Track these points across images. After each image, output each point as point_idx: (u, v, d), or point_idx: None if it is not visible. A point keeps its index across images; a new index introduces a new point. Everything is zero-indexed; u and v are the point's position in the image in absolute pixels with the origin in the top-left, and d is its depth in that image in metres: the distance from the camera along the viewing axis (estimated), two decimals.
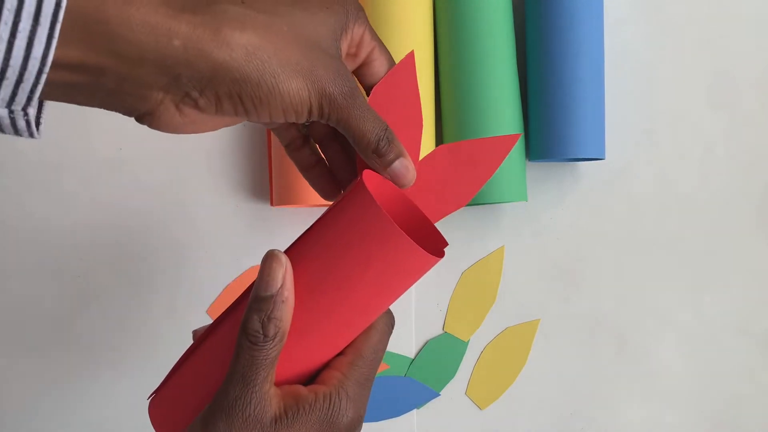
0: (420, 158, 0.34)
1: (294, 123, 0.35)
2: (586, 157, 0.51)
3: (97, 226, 0.54)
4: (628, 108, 0.56)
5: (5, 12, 0.23)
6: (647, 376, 0.55)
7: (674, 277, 0.56)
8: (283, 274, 0.30)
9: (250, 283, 0.33)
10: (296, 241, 0.32)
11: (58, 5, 0.23)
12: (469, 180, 0.34)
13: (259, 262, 0.51)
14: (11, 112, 0.25)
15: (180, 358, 0.34)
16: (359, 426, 0.32)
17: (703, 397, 0.56)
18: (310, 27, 0.28)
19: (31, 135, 0.26)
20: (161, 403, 0.34)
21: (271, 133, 0.52)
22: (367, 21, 0.32)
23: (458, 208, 0.34)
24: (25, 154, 0.54)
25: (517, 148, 0.51)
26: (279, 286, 0.29)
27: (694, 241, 0.56)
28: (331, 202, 0.38)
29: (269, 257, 0.30)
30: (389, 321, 0.34)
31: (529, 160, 0.54)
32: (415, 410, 0.55)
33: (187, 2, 0.26)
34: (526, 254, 0.55)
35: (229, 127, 0.54)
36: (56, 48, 0.24)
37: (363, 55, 0.32)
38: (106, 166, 0.54)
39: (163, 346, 0.54)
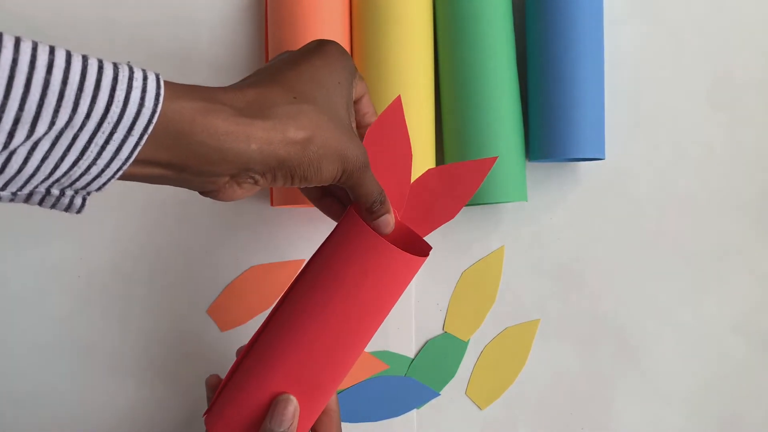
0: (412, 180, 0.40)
1: None
2: (586, 157, 0.51)
3: (96, 226, 0.54)
4: (628, 108, 0.56)
5: (105, 124, 0.27)
6: (647, 376, 0.55)
7: (674, 277, 0.56)
8: (292, 412, 0.37)
9: (288, 286, 0.39)
10: (306, 264, 0.40)
11: (149, 122, 0.28)
12: (454, 198, 0.40)
13: (259, 262, 0.54)
14: (75, 193, 0.30)
15: (227, 373, 0.40)
16: None
17: (702, 397, 0.56)
18: (334, 108, 0.36)
19: (79, 212, 0.31)
20: (220, 417, 0.39)
21: None
22: (359, 76, 0.40)
23: (445, 222, 0.40)
24: None
25: (517, 148, 0.51)
26: (290, 424, 0.37)
27: (694, 241, 0.56)
28: None
29: (284, 401, 0.38)
30: (336, 401, 0.44)
31: (529, 160, 0.54)
32: (415, 410, 0.55)
33: (253, 109, 0.32)
34: (526, 254, 0.55)
35: None
36: (146, 150, 0.29)
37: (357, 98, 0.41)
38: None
39: (163, 347, 0.54)
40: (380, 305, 0.38)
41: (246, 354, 0.39)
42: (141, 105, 0.28)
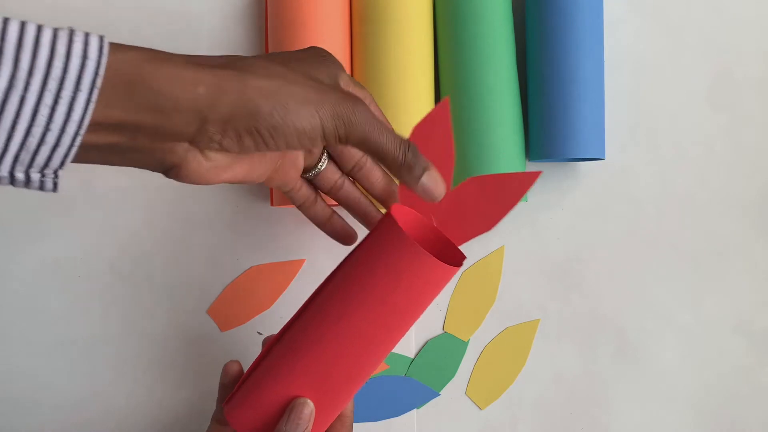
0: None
1: (305, 181, 0.41)
2: (586, 157, 0.51)
3: (96, 226, 0.54)
4: (628, 108, 0.56)
5: (51, 81, 0.27)
6: (647, 376, 0.55)
7: (674, 277, 0.56)
8: (308, 416, 0.37)
9: (323, 282, 0.39)
10: (337, 267, 0.39)
11: (96, 74, 0.27)
12: (494, 209, 0.38)
13: (259, 262, 0.54)
14: (43, 176, 0.29)
15: (251, 365, 0.40)
16: None
17: (702, 397, 0.56)
18: (316, 74, 0.33)
19: (54, 190, 0.30)
20: (239, 407, 0.39)
21: None
22: (352, 79, 0.38)
23: (482, 233, 0.38)
24: None
25: (517, 148, 0.51)
26: (305, 428, 0.37)
27: (694, 241, 0.56)
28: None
29: (300, 405, 0.37)
30: (352, 407, 0.43)
31: (529, 160, 0.54)
32: (415, 410, 0.55)
33: (216, 62, 0.31)
34: (526, 254, 0.55)
35: None
36: (99, 110, 0.28)
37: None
38: (106, 165, 0.54)
39: (163, 347, 0.54)
40: (409, 315, 0.37)
41: (270, 350, 0.39)
42: (85, 57, 0.27)
